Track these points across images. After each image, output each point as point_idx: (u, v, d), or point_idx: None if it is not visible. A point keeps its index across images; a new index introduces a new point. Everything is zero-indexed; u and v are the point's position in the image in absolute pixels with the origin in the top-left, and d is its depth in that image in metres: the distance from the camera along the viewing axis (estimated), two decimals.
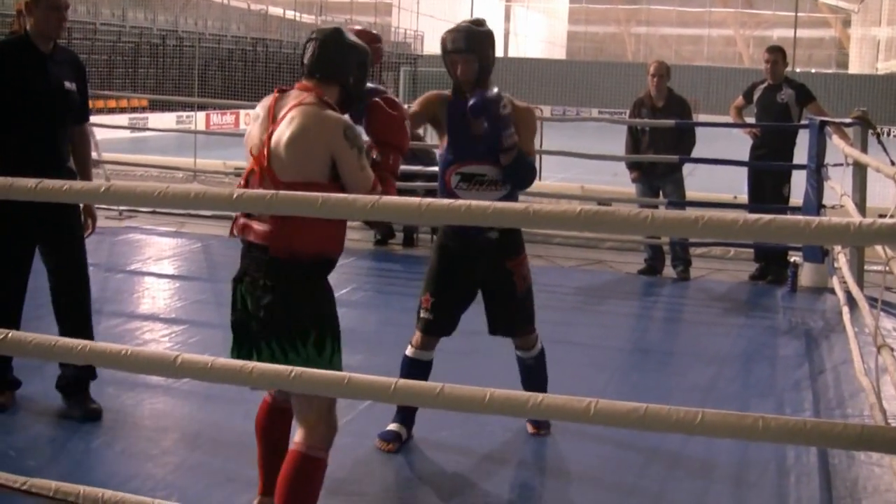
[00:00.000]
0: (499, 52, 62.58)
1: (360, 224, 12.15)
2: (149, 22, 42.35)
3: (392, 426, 5.68)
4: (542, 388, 5.78)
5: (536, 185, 14.64)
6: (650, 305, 9.91)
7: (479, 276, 5.62)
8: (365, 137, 4.27)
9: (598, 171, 15.67)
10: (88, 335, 6.12)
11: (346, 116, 4.15)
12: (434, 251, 5.74)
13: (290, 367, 2.65)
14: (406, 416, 5.72)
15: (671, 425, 2.52)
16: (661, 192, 10.74)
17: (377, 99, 4.37)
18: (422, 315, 5.69)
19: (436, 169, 11.92)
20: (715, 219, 2.44)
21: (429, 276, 5.69)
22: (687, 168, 10.80)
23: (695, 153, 10.70)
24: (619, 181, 13.41)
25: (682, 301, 9.93)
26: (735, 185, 13.79)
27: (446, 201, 2.63)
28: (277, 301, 3.95)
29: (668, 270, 10.59)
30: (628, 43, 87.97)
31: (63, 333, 6.18)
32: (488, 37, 5.44)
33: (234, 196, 2.62)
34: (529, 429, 5.89)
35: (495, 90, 5.26)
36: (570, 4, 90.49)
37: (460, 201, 2.56)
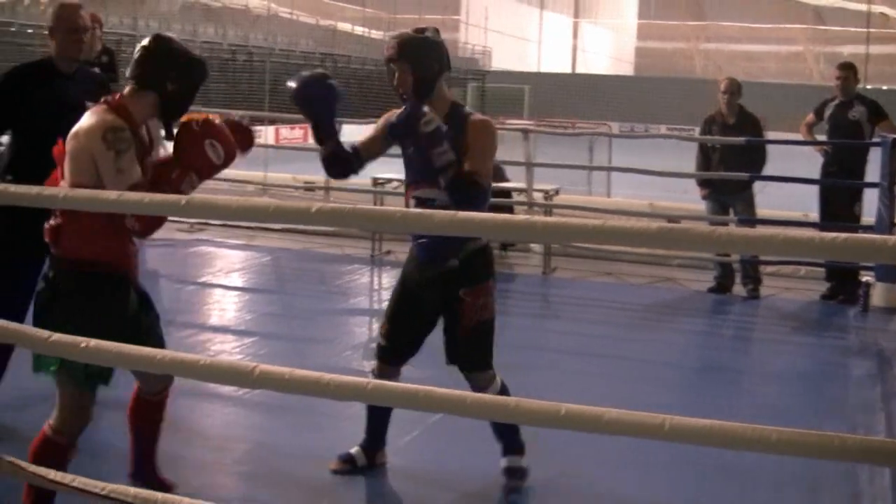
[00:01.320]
0: (566, 68, 62.34)
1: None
2: (219, 37, 42.71)
3: (353, 449, 5.47)
4: (505, 433, 5.31)
5: (604, 202, 14.70)
6: (720, 323, 9.86)
7: (437, 305, 5.19)
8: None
9: (666, 188, 15.61)
10: None
11: (115, 120, 4.10)
12: (399, 278, 5.38)
13: (367, 380, 2.68)
14: (371, 441, 5.47)
15: (746, 442, 2.52)
16: (731, 210, 10.68)
17: (191, 118, 4.32)
18: (380, 342, 5.37)
19: (503, 184, 12.00)
20: (792, 237, 2.43)
21: (389, 302, 5.41)
22: (757, 185, 10.73)
23: (765, 171, 10.63)
24: (688, 198, 13.35)
25: (752, 319, 9.87)
26: (805, 202, 13.68)
27: (489, 215, 2.65)
28: (49, 293, 4.11)
29: (738, 288, 10.52)
30: (697, 59, 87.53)
31: None
32: (427, 45, 4.95)
33: (314, 210, 2.66)
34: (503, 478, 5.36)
35: (425, 108, 4.74)
36: (638, 20, 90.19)
37: (518, 217, 2.58)
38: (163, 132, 4.44)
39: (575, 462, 5.61)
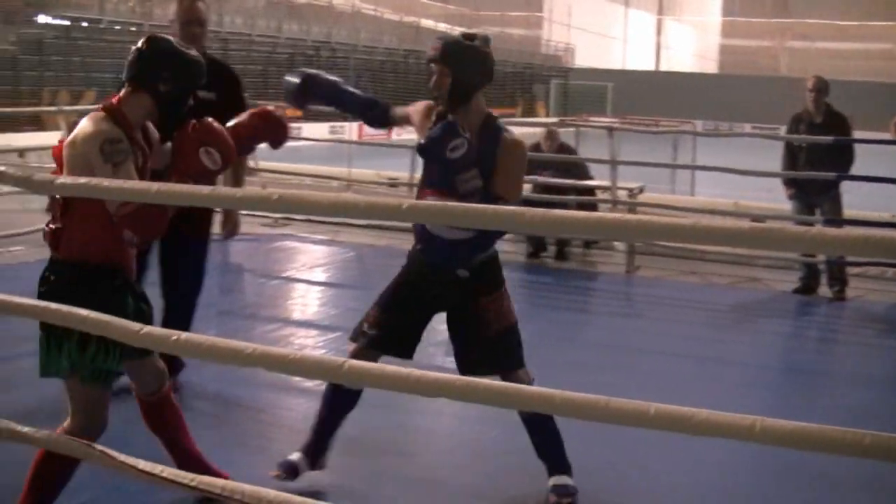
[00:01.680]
0: (650, 66, 61.86)
1: (512, 236, 12.20)
2: (303, 33, 43.00)
3: (293, 455, 5.24)
4: (551, 452, 5.22)
5: (688, 201, 14.59)
6: (805, 325, 9.77)
7: (441, 309, 5.10)
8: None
9: (749, 188, 15.48)
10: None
11: (112, 130, 4.13)
12: (400, 272, 5.19)
13: (455, 377, 2.69)
14: (313, 448, 5.26)
15: (839, 446, 2.49)
16: (817, 210, 10.55)
17: (194, 122, 4.36)
18: (364, 329, 5.10)
19: (588, 182, 11.97)
20: (886, 238, 2.40)
21: (385, 292, 5.15)
22: (844, 185, 10.60)
23: (853, 170, 10.49)
24: (772, 198, 13.22)
25: (838, 321, 9.76)
26: (893, 203, 13.52)
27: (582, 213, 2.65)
28: (48, 295, 4.07)
29: (824, 290, 10.40)
30: (782, 57, 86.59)
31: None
32: (471, 52, 4.80)
33: (404, 207, 2.67)
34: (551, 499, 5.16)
35: (458, 129, 4.62)
36: (722, 18, 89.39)
37: (598, 214, 2.56)
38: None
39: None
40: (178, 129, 4.37)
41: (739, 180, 11.96)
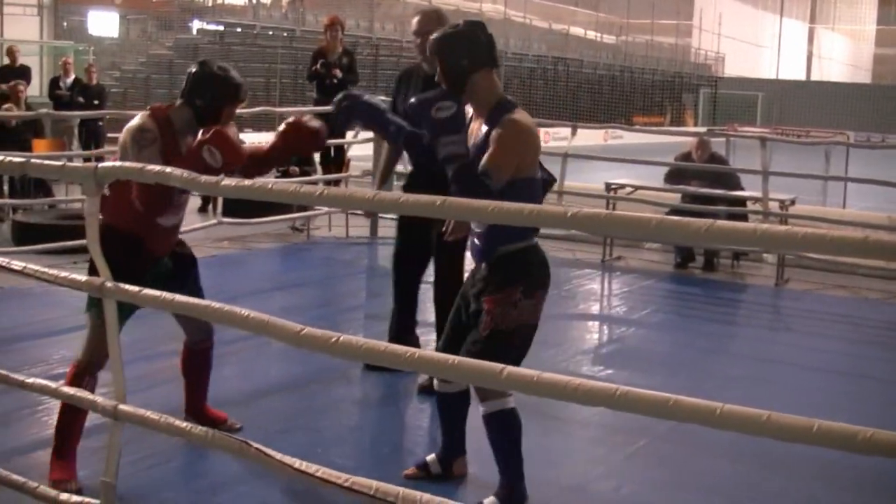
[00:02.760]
0: (800, 75, 60.67)
1: (660, 246, 12.12)
2: None
3: (428, 457, 5.35)
4: (502, 457, 4.98)
5: (840, 213, 14.30)
6: None
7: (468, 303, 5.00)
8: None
9: None
10: None
11: (146, 122, 5.14)
12: None
13: (616, 387, 2.69)
14: (447, 450, 5.32)
15: None
16: None
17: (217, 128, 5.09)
18: None
19: (739, 193, 11.82)
20: None
21: None
22: None
23: None
24: None
25: None
26: None
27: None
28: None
29: None
30: None
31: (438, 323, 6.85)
32: (452, 40, 4.92)
33: (569, 214, 2.68)
34: None
35: (446, 92, 4.81)
36: (877, 26, 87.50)
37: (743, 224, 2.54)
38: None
39: None
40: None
41: (893, 193, 11.72)
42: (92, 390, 4.96)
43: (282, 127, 5.36)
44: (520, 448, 4.92)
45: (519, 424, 4.89)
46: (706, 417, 2.62)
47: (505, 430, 4.90)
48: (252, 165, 5.35)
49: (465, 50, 4.86)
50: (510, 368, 2.88)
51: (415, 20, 6.75)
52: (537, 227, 4.44)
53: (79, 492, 4.73)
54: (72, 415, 5.06)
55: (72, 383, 4.95)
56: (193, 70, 5.31)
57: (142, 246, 5.18)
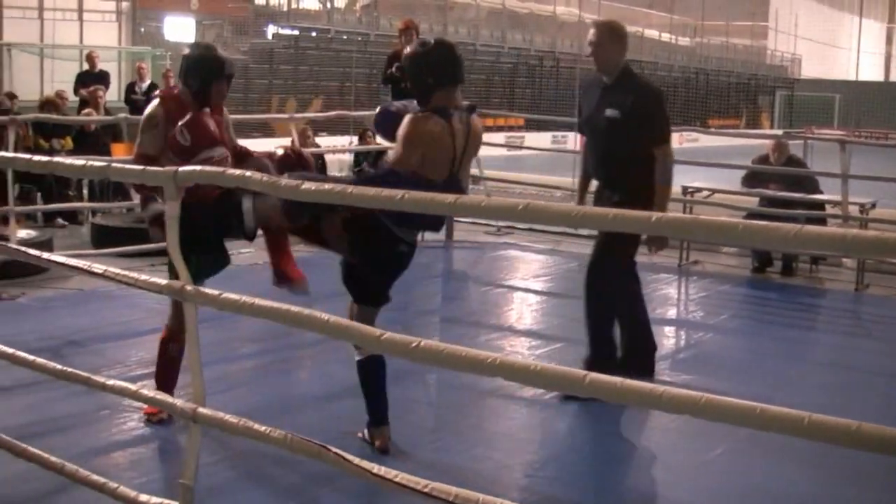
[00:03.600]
0: (878, 76, 59.81)
1: (737, 250, 12.03)
2: (526, 43, 43.11)
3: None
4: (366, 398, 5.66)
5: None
6: None
7: None
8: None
9: None
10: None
11: (154, 109, 5.94)
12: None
13: (701, 395, 2.65)
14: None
15: None
16: None
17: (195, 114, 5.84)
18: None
19: (818, 196, 11.67)
20: None
21: None
22: None
23: None
24: None
25: None
26: None
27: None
28: None
29: None
30: None
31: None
32: (416, 60, 5.44)
33: (653, 219, 2.64)
34: None
35: (399, 103, 5.61)
36: None
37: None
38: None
39: None
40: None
41: None
42: (177, 355, 5.86)
43: (281, 152, 5.87)
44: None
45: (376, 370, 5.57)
46: (794, 427, 2.57)
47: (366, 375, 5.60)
48: (235, 157, 6.01)
49: (430, 69, 5.38)
50: (593, 375, 2.85)
51: (590, 32, 6.97)
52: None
53: (166, 420, 5.89)
54: (168, 361, 5.95)
55: (160, 348, 5.96)
56: (185, 54, 6.04)
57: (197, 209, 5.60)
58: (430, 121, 5.30)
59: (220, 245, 5.96)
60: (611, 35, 6.88)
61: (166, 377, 5.89)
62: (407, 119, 5.32)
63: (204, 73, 5.89)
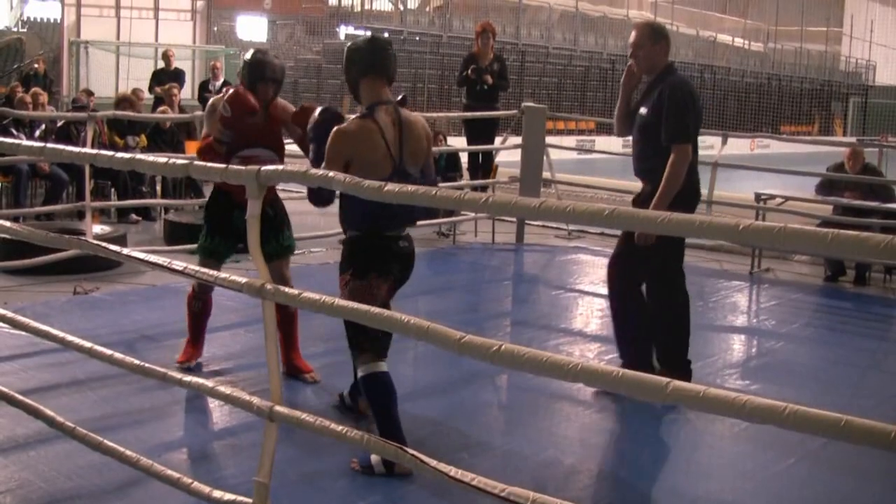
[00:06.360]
0: None
1: (810, 258, 11.93)
2: (599, 46, 43.02)
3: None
4: (375, 414, 5.42)
5: None
6: None
7: None
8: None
9: None
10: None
11: (219, 98, 6.82)
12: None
13: (784, 405, 2.63)
14: (354, 387, 5.96)
15: None
16: None
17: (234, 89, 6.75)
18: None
19: (893, 205, 11.54)
20: None
21: None
22: None
23: None
24: None
25: None
26: None
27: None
28: None
29: None
30: None
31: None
32: (348, 53, 5.68)
33: (740, 227, 2.63)
34: None
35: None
36: None
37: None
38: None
39: None
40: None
41: None
42: (202, 310, 7.10)
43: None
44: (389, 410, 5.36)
45: (384, 389, 5.40)
46: (880, 440, 2.54)
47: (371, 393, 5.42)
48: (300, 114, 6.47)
49: (354, 61, 5.64)
50: (675, 383, 2.83)
51: (631, 34, 7.01)
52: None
53: (195, 368, 6.95)
54: (193, 315, 7.11)
55: (187, 303, 7.14)
56: (245, 58, 6.88)
57: (228, 197, 6.76)
58: (350, 127, 5.42)
59: (242, 235, 6.08)
60: (651, 36, 6.91)
61: (193, 327, 7.11)
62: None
63: (250, 74, 6.76)
